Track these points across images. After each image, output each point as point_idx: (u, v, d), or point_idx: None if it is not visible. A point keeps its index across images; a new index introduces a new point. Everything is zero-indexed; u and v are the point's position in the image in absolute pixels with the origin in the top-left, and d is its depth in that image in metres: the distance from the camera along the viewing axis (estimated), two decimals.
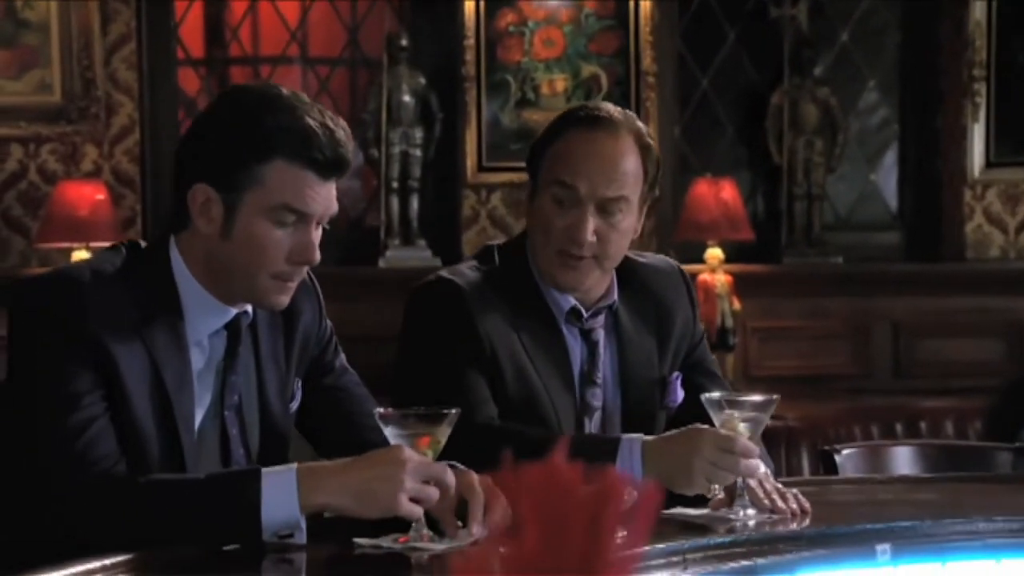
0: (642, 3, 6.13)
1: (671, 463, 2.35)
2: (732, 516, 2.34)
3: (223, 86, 6.27)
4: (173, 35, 6.20)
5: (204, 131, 2.20)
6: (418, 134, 6.11)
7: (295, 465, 2.08)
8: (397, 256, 6.00)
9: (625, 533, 1.07)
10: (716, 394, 2.42)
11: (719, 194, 5.94)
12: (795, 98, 6.38)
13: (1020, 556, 2.39)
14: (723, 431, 2.36)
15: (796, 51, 6.39)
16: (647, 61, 6.15)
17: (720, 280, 5.89)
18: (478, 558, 1.04)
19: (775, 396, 2.38)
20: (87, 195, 5.59)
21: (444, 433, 2.15)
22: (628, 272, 2.71)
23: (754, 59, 6.55)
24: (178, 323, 2.18)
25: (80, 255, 5.39)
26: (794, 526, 2.32)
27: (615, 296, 2.67)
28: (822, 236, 6.42)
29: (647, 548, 1.99)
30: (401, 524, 2.10)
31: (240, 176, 2.13)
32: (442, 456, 2.16)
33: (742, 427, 2.36)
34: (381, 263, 5.97)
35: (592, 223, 2.55)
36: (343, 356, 2.47)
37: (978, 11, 6.32)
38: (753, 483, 2.37)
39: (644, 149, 2.59)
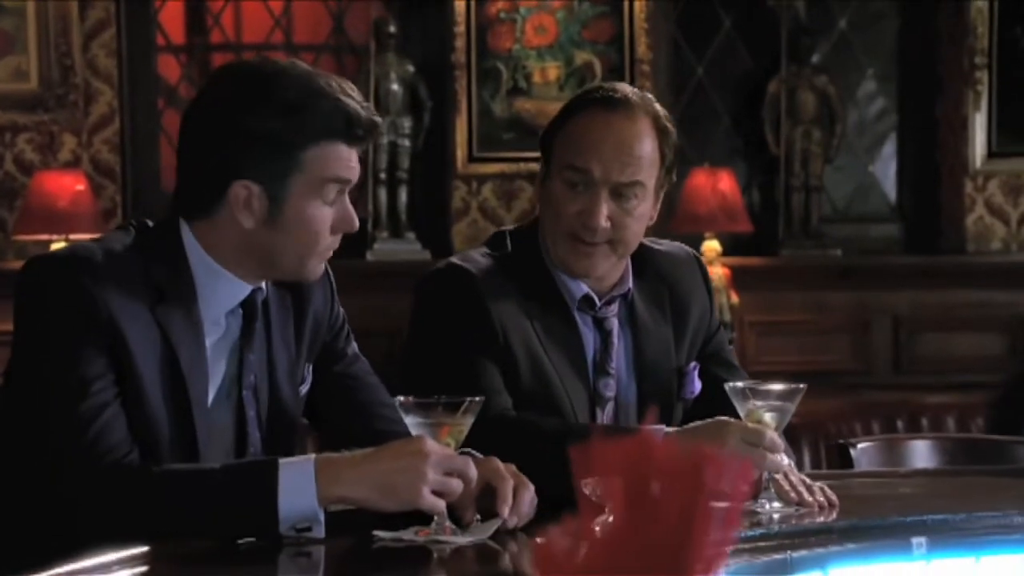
0: None
1: None
2: (758, 509, 2.31)
3: (205, 74, 6.21)
4: (153, 21, 6.13)
5: (236, 126, 2.13)
6: (407, 124, 6.04)
7: (313, 456, 2.05)
8: (385, 249, 5.95)
9: (721, 513, 1.05)
10: (740, 383, 2.37)
11: (717, 185, 5.88)
12: (792, 86, 6.32)
13: None
14: (749, 424, 2.33)
15: (793, 38, 6.34)
16: (641, 48, 6.09)
17: (718, 273, 5.76)
18: (561, 539, 1.01)
19: (801, 385, 2.33)
20: (66, 186, 5.53)
21: (467, 422, 2.11)
22: (643, 259, 2.68)
23: (750, 46, 6.48)
24: (192, 302, 2.15)
25: (59, 248, 5.27)
26: (822, 519, 2.31)
27: (630, 284, 2.65)
28: (820, 228, 6.37)
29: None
30: (422, 517, 2.07)
31: (282, 166, 2.13)
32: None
33: (768, 417, 2.33)
34: (369, 256, 5.91)
35: (606, 208, 2.51)
36: (355, 344, 2.44)
37: None
38: (779, 475, 2.35)
39: (662, 132, 2.56)
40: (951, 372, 6.11)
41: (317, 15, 6.29)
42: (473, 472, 2.06)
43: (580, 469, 1.07)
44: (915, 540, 2.26)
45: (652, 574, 1.01)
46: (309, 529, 2.03)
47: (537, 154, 2.65)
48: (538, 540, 1.04)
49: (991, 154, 6.31)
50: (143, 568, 1.93)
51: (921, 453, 3.18)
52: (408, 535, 2.05)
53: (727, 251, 5.96)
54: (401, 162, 6.01)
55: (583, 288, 2.58)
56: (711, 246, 5.82)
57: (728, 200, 5.91)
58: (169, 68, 6.23)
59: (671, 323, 2.67)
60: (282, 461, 2.03)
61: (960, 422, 5.78)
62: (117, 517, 2.01)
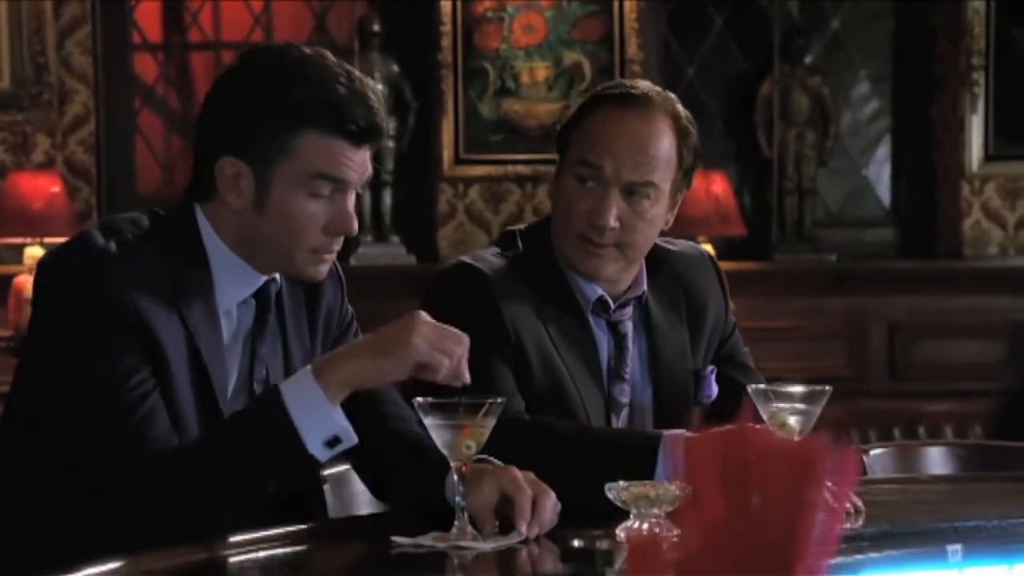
0: None
1: None
2: None
3: (182, 73, 6.18)
4: (129, 18, 6.07)
5: (228, 100, 2.14)
6: (391, 125, 5.93)
7: (307, 366, 2.08)
8: (369, 253, 5.90)
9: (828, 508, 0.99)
10: (762, 385, 2.30)
11: (710, 188, 5.82)
12: (785, 88, 6.29)
13: None
14: (772, 427, 2.24)
15: (786, 38, 6.30)
16: (632, 49, 6.03)
17: None
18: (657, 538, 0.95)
19: (827, 387, 2.26)
20: (41, 187, 5.50)
21: (488, 424, 2.06)
22: (657, 261, 2.62)
23: (742, 47, 6.44)
24: (210, 291, 2.13)
25: (34, 251, 5.34)
26: (848, 524, 2.23)
27: (644, 287, 2.60)
28: (814, 232, 6.32)
29: None
30: (443, 523, 2.04)
31: (270, 148, 2.10)
32: None
33: (792, 421, 2.24)
34: (352, 261, 5.81)
35: (616, 208, 2.45)
36: None
37: None
38: None
39: (681, 133, 2.49)
40: (948, 379, 6.07)
41: (299, 13, 6.23)
42: (463, 348, 2.07)
43: (674, 464, 0.98)
44: (950, 548, 2.21)
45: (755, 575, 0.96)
46: (340, 441, 2.03)
47: (525, 156, 2.57)
48: (631, 538, 0.95)
49: (988, 157, 6.27)
50: None
51: (936, 460, 3.15)
52: (428, 541, 2.03)
53: (720, 255, 5.82)
54: (385, 164, 5.95)
55: (597, 291, 2.51)
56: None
57: (721, 203, 5.87)
58: (146, 67, 6.16)
59: (687, 325, 2.62)
60: (282, 383, 2.06)
61: (958, 430, 5.78)
62: (176, 504, 2.00)
